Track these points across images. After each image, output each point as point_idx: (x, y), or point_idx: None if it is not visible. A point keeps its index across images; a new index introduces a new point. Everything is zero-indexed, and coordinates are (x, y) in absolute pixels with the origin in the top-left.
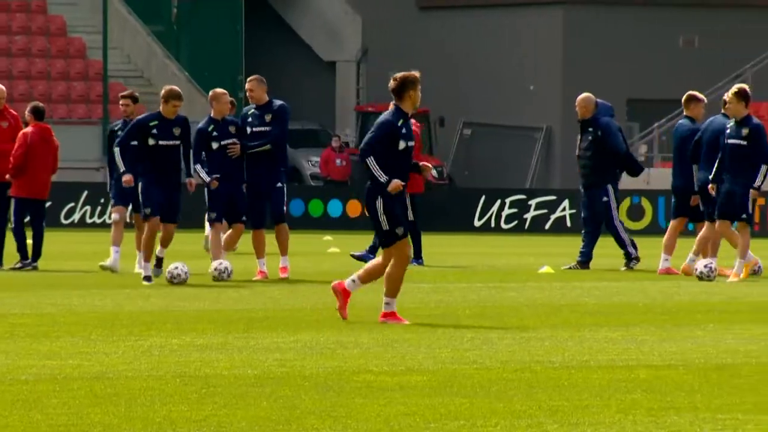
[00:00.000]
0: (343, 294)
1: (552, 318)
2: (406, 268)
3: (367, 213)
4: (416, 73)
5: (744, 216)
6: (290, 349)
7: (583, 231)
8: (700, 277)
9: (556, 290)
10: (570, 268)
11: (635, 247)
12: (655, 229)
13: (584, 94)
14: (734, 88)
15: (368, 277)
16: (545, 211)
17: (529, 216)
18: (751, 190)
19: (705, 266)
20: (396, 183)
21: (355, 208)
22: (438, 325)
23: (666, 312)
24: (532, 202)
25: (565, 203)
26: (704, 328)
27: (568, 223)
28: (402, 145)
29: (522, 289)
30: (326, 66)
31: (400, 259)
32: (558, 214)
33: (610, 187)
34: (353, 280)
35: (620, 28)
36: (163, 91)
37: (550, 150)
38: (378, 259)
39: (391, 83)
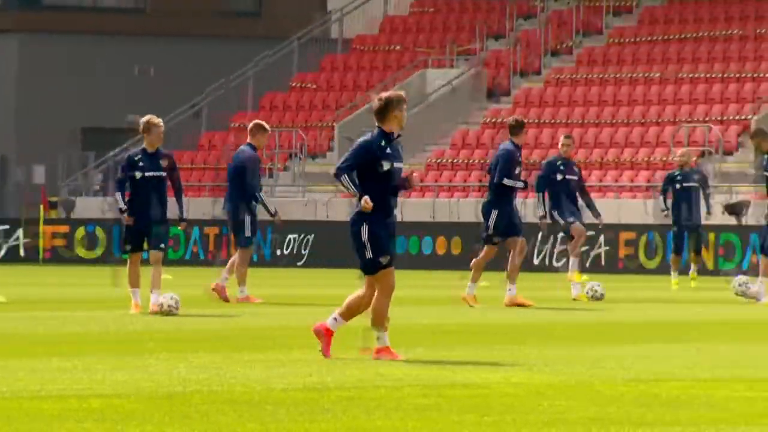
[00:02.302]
0: (325, 334)
1: None
2: (391, 298)
3: (352, 239)
4: (402, 93)
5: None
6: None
7: None
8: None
9: None
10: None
11: None
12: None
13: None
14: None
15: (350, 313)
16: None
17: None
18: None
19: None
20: (366, 201)
21: None
22: None
23: (120, 341)
24: None
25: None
26: (157, 357)
27: None
28: (386, 165)
29: None
30: None
31: (384, 289)
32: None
33: None
34: (335, 319)
35: (76, 58)
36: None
37: (6, 179)
38: (358, 291)
39: (376, 103)
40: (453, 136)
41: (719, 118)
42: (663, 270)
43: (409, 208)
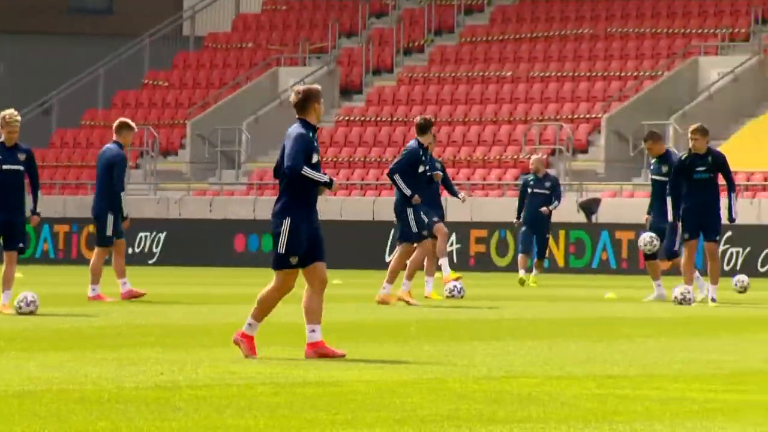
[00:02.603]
0: (246, 341)
1: None
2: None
3: (273, 229)
4: (318, 86)
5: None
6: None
7: None
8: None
9: None
10: None
11: None
12: None
13: None
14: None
15: (263, 311)
16: None
17: None
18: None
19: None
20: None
21: None
22: None
23: None
24: None
25: None
26: (7, 356)
27: None
28: (315, 158)
29: None
30: None
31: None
32: None
33: None
34: (249, 324)
35: None
36: None
37: None
38: (267, 286)
39: (293, 97)
40: None
41: (570, 117)
42: (514, 267)
43: (262, 206)
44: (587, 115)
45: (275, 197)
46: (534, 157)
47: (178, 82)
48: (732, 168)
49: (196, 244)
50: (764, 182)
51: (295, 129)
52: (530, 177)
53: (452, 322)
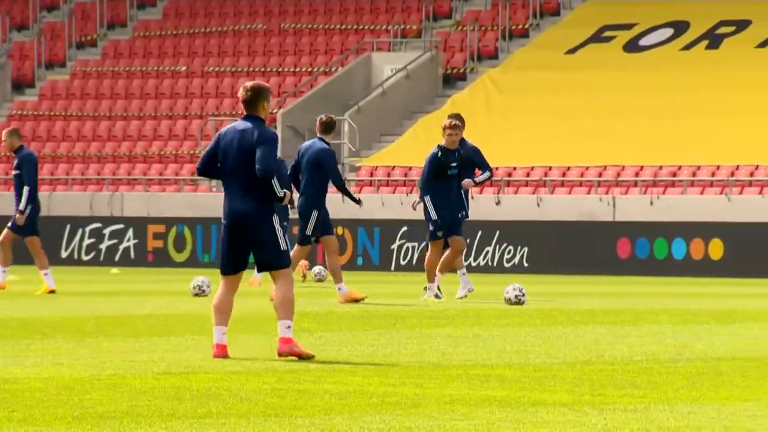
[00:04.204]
0: (219, 349)
1: None
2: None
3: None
4: (266, 84)
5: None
6: None
7: None
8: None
9: None
10: None
11: None
12: None
13: None
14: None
15: (224, 315)
16: None
17: None
18: None
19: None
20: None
21: None
22: None
23: None
24: None
25: None
26: None
27: None
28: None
29: None
30: None
31: (290, 281)
32: None
33: None
34: (223, 333)
35: None
36: None
37: None
38: (218, 292)
39: (243, 93)
40: None
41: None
42: (193, 263)
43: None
44: None
45: None
46: None
47: None
48: (408, 164)
49: None
50: None
51: (268, 129)
52: None
53: (130, 318)
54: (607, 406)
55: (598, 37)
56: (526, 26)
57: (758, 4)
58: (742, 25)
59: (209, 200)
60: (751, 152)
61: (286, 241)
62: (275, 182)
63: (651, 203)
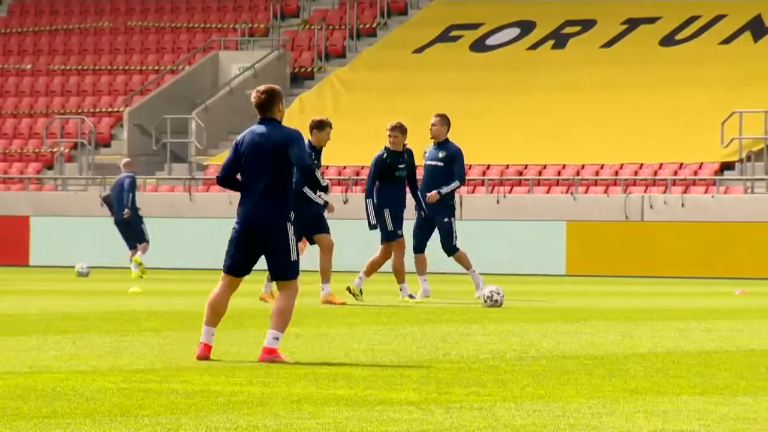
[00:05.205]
0: (205, 350)
1: None
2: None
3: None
4: (278, 87)
5: None
6: None
7: None
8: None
9: None
10: None
11: None
12: None
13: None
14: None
15: (216, 316)
16: None
17: None
18: None
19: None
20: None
21: None
22: None
23: None
24: None
25: None
26: None
27: None
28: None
29: None
30: None
31: (294, 292)
32: None
33: None
34: (211, 335)
35: None
36: None
37: None
38: (216, 289)
39: (258, 97)
40: None
41: (92, 110)
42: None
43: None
44: (109, 109)
45: None
46: (125, 160)
47: None
48: None
49: None
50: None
51: (294, 130)
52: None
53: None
54: (453, 404)
55: (445, 37)
56: (374, 25)
57: (603, 5)
58: (587, 25)
59: (56, 198)
60: (596, 151)
61: (297, 252)
62: (319, 174)
63: (497, 202)
